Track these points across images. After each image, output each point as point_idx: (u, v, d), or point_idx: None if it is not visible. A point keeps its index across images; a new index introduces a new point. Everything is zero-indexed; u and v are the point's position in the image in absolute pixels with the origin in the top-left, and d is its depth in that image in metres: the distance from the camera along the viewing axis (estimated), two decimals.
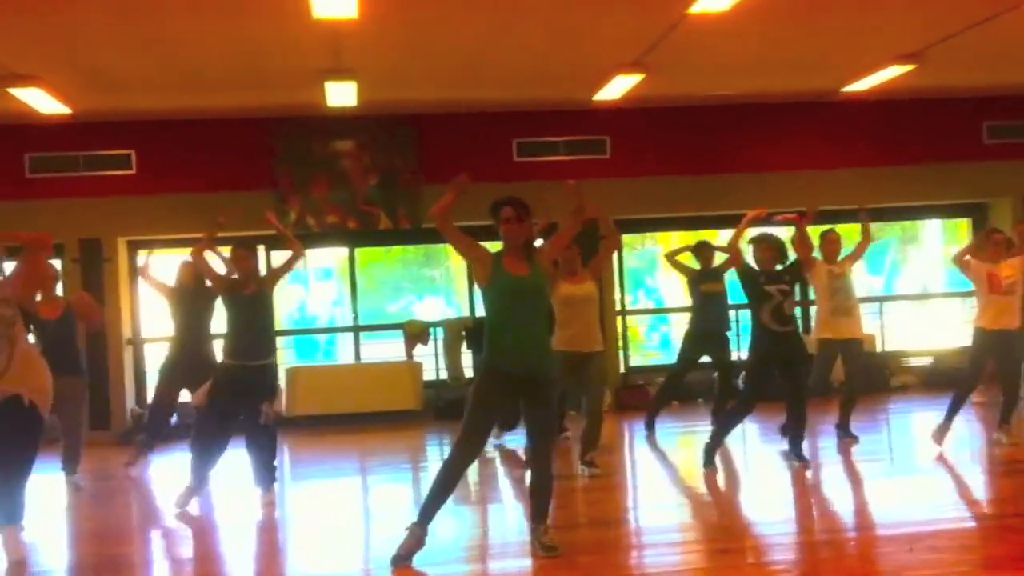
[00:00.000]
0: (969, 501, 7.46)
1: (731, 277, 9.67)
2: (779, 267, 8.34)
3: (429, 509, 5.88)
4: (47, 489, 8.61)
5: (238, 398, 7.67)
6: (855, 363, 9.25)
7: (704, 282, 10.34)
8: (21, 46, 8.93)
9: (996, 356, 8.79)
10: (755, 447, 9.72)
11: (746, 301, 8.49)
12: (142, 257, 10.48)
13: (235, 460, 8.30)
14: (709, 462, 8.31)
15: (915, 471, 8.35)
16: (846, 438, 9.18)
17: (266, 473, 7.79)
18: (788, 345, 8.20)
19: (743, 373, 8.83)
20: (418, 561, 5.76)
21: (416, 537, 5.80)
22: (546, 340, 6.17)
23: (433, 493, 5.91)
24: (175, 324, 9.50)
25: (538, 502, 6.01)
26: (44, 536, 7.20)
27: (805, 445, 8.42)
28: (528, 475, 6.42)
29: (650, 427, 10.46)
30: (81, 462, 8.94)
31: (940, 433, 8.75)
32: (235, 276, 7.95)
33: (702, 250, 10.53)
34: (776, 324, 8.14)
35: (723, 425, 8.51)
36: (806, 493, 7.83)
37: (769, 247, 8.33)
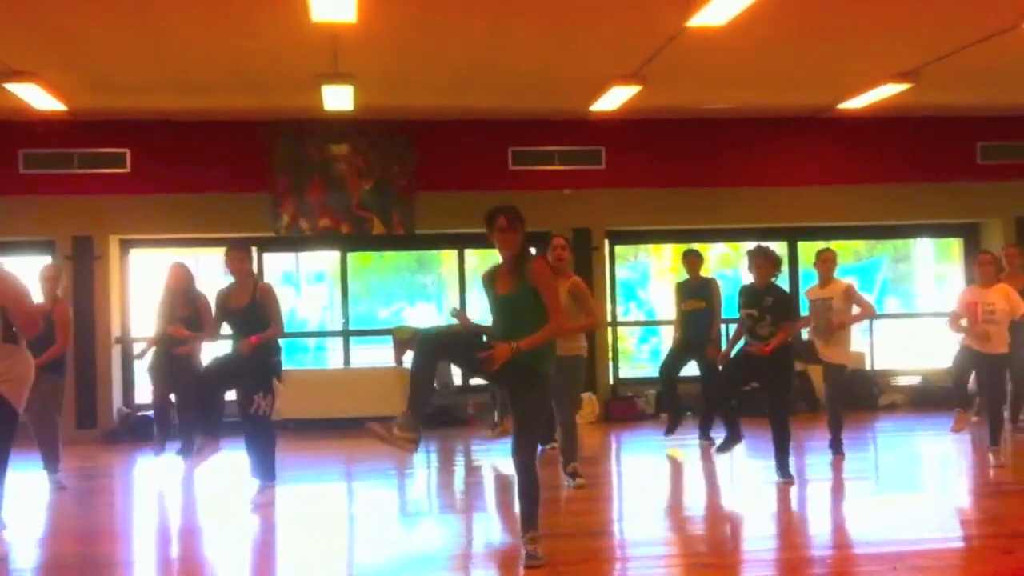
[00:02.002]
0: (954, 521, 7.45)
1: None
2: (774, 280, 8.40)
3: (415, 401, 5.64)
4: (30, 487, 8.59)
5: (229, 374, 7.78)
6: (831, 386, 9.24)
7: (686, 300, 10.43)
8: (19, 42, 8.92)
9: (978, 377, 8.82)
10: (742, 462, 9.71)
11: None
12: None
13: (225, 460, 8.28)
14: (705, 436, 8.76)
15: (901, 490, 8.34)
16: (835, 455, 9.19)
17: (263, 467, 7.82)
18: (761, 361, 8.26)
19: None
20: (402, 570, 5.74)
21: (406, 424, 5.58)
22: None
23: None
24: (159, 324, 9.41)
25: (522, 507, 5.85)
26: (26, 534, 7.17)
27: (792, 461, 8.42)
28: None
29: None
30: (62, 460, 8.86)
31: (995, 454, 8.74)
32: (227, 290, 7.91)
33: (689, 257, 10.59)
34: (750, 338, 8.34)
35: (706, 410, 8.65)
36: (792, 510, 7.82)
37: (766, 261, 8.35)
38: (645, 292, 14.46)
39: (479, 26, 8.92)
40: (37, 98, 10.43)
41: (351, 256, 13.35)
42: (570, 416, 8.25)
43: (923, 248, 14.98)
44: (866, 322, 13.86)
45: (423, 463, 10.24)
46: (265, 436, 7.85)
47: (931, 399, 12.15)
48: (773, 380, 8.34)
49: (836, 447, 9.24)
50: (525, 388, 5.74)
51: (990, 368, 8.75)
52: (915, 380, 13.48)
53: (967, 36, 9.29)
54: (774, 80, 11.23)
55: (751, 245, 8.71)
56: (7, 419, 6.17)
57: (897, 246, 15.00)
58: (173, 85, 10.68)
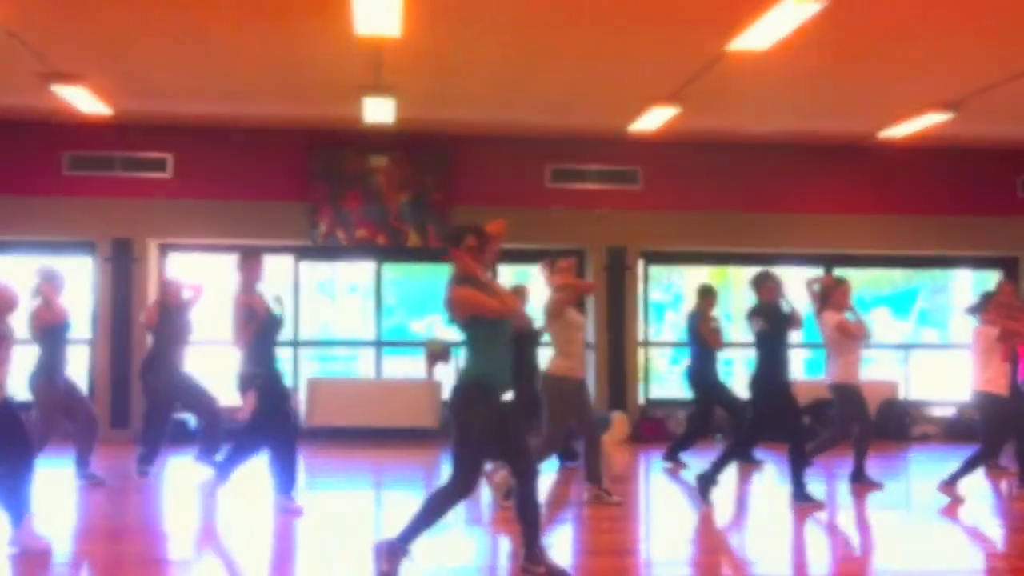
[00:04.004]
0: (981, 554, 7.38)
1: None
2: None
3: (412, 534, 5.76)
4: (63, 484, 8.68)
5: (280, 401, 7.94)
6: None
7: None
8: (68, 45, 9.06)
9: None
10: (772, 486, 9.65)
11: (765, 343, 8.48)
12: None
13: (257, 465, 8.33)
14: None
15: (931, 521, 8.26)
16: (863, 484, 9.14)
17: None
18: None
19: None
20: None
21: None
22: None
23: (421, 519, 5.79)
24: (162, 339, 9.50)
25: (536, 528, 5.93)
26: (57, 531, 7.24)
27: (823, 488, 8.36)
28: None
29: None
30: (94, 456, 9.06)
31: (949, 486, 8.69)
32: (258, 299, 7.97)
33: (709, 294, 10.57)
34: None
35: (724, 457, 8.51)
36: (820, 536, 7.77)
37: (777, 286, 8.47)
38: (677, 313, 14.41)
39: (521, 44, 8.98)
40: (82, 101, 10.57)
41: (386, 267, 13.42)
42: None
43: (961, 279, 14.87)
44: (901, 351, 13.91)
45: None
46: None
47: (965, 431, 12.01)
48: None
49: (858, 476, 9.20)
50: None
51: (983, 406, 8.70)
52: (949, 411, 13.37)
53: (1011, 68, 9.24)
54: (815, 107, 11.21)
55: (790, 270, 8.71)
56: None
57: (935, 276, 14.89)
58: (217, 92, 10.81)
